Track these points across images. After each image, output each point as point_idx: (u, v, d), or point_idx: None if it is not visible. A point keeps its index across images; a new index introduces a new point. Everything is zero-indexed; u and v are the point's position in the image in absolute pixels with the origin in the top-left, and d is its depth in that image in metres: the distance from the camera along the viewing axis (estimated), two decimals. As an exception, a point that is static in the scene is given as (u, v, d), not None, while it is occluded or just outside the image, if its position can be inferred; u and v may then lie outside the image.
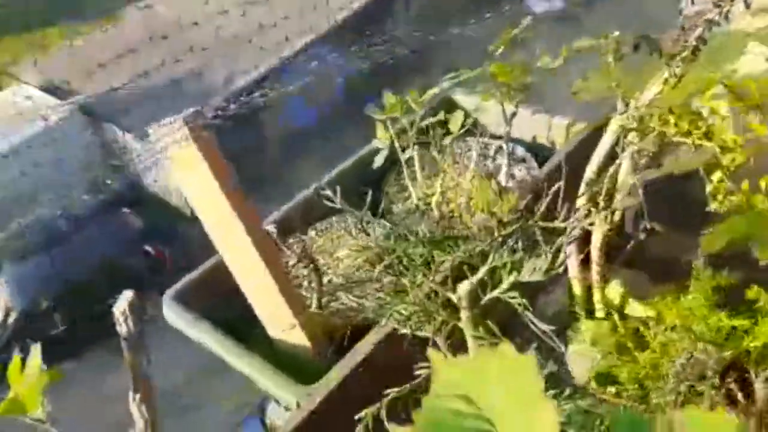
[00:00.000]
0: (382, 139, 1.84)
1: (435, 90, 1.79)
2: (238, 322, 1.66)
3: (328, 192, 1.35)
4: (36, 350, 0.89)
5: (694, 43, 1.20)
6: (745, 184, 1.14)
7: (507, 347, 0.50)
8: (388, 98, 1.88)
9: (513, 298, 1.07)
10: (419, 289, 1.18)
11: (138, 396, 0.98)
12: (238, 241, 1.45)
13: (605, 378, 1.43)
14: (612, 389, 1.38)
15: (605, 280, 1.53)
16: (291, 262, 1.87)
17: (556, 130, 2.16)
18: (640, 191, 1.20)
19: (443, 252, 1.09)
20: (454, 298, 1.12)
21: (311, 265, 1.70)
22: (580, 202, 1.45)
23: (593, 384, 1.44)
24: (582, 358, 1.48)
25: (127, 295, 0.97)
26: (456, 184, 2.09)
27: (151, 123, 1.34)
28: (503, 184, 2.00)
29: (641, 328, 1.27)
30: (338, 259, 1.85)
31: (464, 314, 1.12)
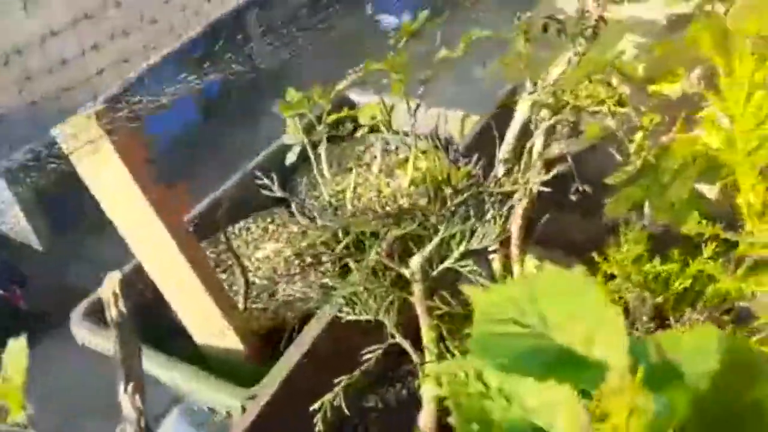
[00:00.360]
0: (293, 135, 1.82)
1: (341, 85, 1.81)
2: (157, 333, 1.57)
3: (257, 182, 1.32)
4: (22, 346, 0.79)
5: (594, 23, 1.31)
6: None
7: (551, 265, 0.53)
8: (292, 94, 1.87)
9: (464, 266, 1.11)
10: (367, 268, 1.18)
11: (131, 386, 0.90)
12: (160, 242, 1.37)
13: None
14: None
15: (524, 254, 1.62)
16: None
17: (451, 123, 2.26)
18: (569, 158, 1.29)
19: (396, 227, 1.11)
20: (406, 273, 1.13)
21: (237, 262, 1.64)
22: (500, 175, 1.53)
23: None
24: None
25: (114, 275, 0.89)
26: (365, 180, 2.12)
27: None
28: (411, 173, 2.06)
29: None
30: (258, 260, 1.80)
31: (417, 288, 1.14)
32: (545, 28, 1.33)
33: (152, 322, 1.55)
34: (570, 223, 1.93)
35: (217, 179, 2.16)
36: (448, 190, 1.06)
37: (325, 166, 2.13)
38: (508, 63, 1.63)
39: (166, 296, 1.49)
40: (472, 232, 1.09)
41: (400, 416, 1.54)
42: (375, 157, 2.17)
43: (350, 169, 2.15)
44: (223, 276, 1.74)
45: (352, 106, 2.28)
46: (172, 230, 1.37)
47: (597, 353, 0.47)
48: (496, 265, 1.70)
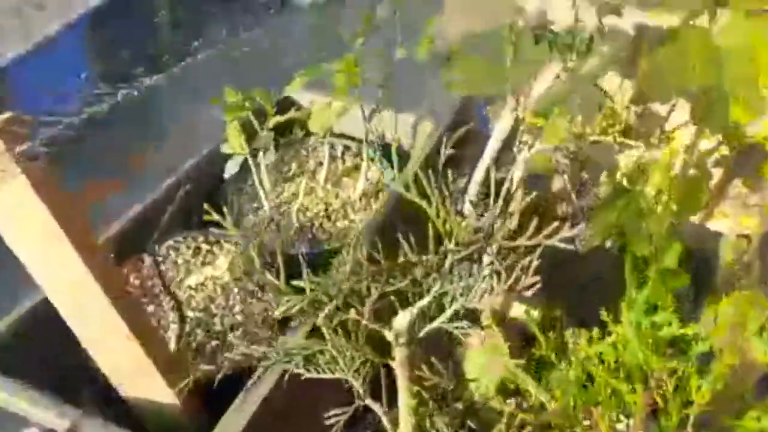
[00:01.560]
0: (233, 143, 1.58)
1: (291, 87, 1.59)
2: (71, 385, 1.32)
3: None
4: None
5: (588, 35, 1.17)
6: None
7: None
8: (230, 95, 1.63)
9: (457, 327, 0.94)
10: (341, 327, 0.99)
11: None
12: (69, 267, 1.12)
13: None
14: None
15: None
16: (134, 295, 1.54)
17: (401, 128, 2.08)
18: (570, 192, 1.14)
19: (378, 282, 0.92)
20: (388, 335, 0.95)
21: (166, 291, 1.40)
22: (469, 208, 1.37)
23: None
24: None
25: None
26: (310, 190, 1.91)
27: None
28: (362, 185, 1.87)
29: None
30: (190, 288, 1.56)
31: (399, 352, 0.96)
32: (537, 39, 1.17)
33: (64, 373, 1.30)
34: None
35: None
36: (449, 244, 0.88)
37: (265, 174, 1.90)
38: (471, 70, 1.47)
39: (79, 338, 1.23)
40: (470, 288, 0.92)
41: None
42: (321, 164, 1.96)
43: (293, 178, 1.93)
44: (149, 309, 1.49)
45: (294, 105, 2.05)
46: (83, 250, 1.11)
47: None
48: (485, 313, 1.55)
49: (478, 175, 1.36)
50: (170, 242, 1.67)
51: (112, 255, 1.35)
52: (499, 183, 1.35)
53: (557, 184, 1.19)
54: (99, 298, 1.16)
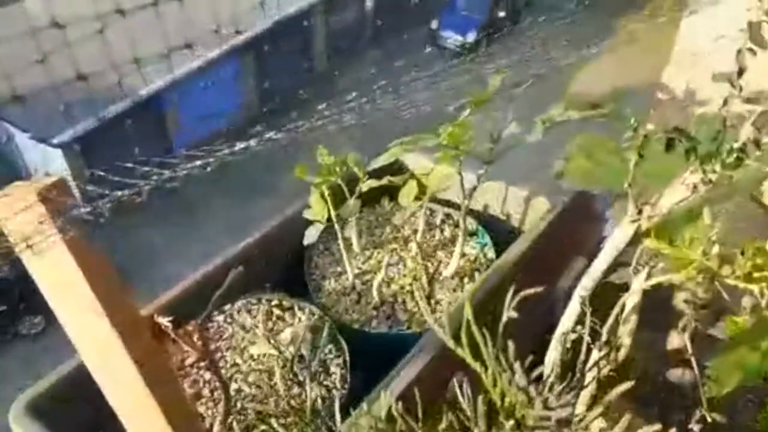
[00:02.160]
0: (316, 210, 1.46)
1: (385, 156, 1.45)
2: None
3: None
4: None
5: (740, 144, 0.93)
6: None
7: None
8: (323, 157, 1.52)
9: None
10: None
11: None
12: (104, 341, 1.04)
13: None
14: None
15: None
16: (189, 360, 1.46)
17: (512, 202, 1.88)
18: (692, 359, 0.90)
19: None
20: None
21: (217, 375, 1.30)
22: (567, 324, 1.15)
23: None
24: None
25: None
26: (399, 260, 1.76)
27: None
28: (456, 263, 1.68)
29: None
30: (251, 359, 1.46)
31: None
32: (669, 145, 0.95)
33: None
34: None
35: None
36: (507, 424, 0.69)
37: (354, 237, 1.78)
38: (574, 160, 1.26)
39: (117, 412, 1.15)
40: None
41: None
42: (416, 231, 1.81)
43: (384, 243, 1.79)
44: (206, 376, 1.40)
45: (399, 167, 1.92)
46: (117, 321, 1.03)
47: None
48: None
49: (573, 307, 1.13)
50: (244, 302, 1.58)
51: (172, 319, 1.26)
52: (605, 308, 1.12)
53: (674, 340, 0.94)
54: (130, 370, 1.07)
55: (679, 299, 0.91)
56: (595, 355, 1.12)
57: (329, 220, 1.54)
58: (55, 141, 8.87)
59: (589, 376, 1.11)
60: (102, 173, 1.03)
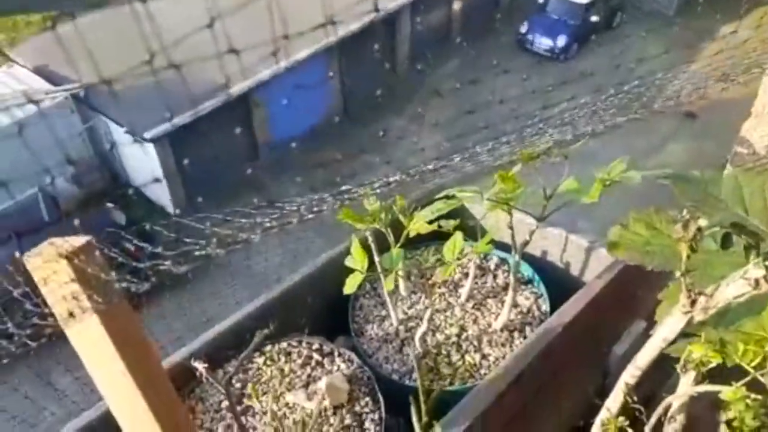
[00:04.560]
0: (356, 259, 1.43)
1: (438, 206, 1.40)
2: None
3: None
4: None
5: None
6: None
7: None
8: (370, 204, 1.48)
9: None
10: None
11: None
12: (133, 406, 1.06)
13: None
14: None
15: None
16: (225, 404, 1.46)
17: (572, 251, 1.78)
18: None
19: None
20: None
21: (239, 427, 1.30)
22: (611, 408, 1.06)
23: None
24: None
25: None
26: (447, 306, 1.70)
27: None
28: (506, 314, 1.60)
29: None
30: (287, 407, 1.45)
31: None
32: (726, 240, 0.85)
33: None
34: None
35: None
36: None
37: (401, 280, 1.73)
38: (644, 239, 1.16)
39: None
40: None
41: None
42: (466, 275, 1.74)
43: (433, 287, 1.74)
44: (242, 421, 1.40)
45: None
46: (146, 389, 1.04)
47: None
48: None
49: (631, 371, 1.04)
50: (284, 345, 1.57)
51: (206, 365, 1.27)
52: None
53: None
54: (154, 429, 1.08)
55: (726, 417, 0.81)
56: (637, 452, 1.03)
57: (372, 267, 1.51)
58: (147, 136, 9.32)
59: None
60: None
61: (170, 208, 10.37)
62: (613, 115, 1.12)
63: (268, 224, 0.90)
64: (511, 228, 1.47)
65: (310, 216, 0.93)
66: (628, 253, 1.18)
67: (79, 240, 0.96)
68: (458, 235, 1.47)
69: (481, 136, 1.23)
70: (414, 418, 0.95)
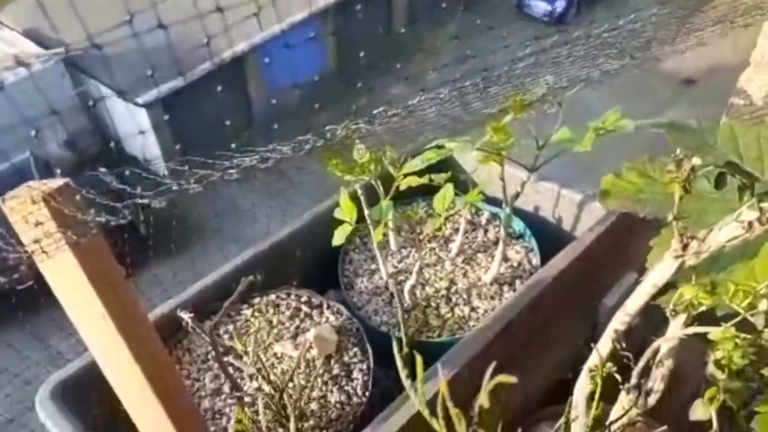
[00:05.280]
0: (345, 211, 1.41)
1: (428, 155, 1.37)
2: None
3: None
4: None
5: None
6: None
7: None
8: (360, 154, 1.45)
9: None
10: None
11: None
12: (112, 346, 1.04)
13: None
14: None
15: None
16: (213, 354, 1.46)
17: (564, 205, 1.76)
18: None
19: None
20: None
21: (227, 375, 1.29)
22: (599, 355, 1.05)
23: None
24: None
25: None
26: (437, 260, 1.69)
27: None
28: (496, 268, 1.59)
29: None
30: (275, 356, 1.44)
31: None
32: (720, 181, 0.83)
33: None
34: None
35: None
36: None
37: (391, 234, 1.71)
38: (623, 179, 1.14)
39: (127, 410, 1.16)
40: None
41: None
42: (457, 230, 1.72)
43: (423, 241, 1.72)
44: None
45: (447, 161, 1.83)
46: (124, 329, 1.03)
47: None
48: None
49: (606, 340, 1.03)
50: (272, 297, 1.56)
51: (192, 315, 1.25)
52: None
53: (699, 410, 0.83)
54: (136, 374, 1.07)
55: (714, 357, 0.80)
56: (623, 397, 1.03)
57: (361, 220, 1.49)
58: (140, 100, 9.21)
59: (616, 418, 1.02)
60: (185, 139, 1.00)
61: (163, 171, 10.29)
62: (607, 57, 1.09)
63: (249, 162, 0.87)
64: (503, 179, 1.45)
65: (291, 154, 0.90)
66: (620, 202, 1.16)
67: (57, 182, 0.94)
68: (449, 186, 1.45)
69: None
70: (399, 366, 0.94)
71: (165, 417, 1.11)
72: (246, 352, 1.42)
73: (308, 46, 10.95)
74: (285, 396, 1.22)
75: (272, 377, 1.39)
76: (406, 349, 1.36)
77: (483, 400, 0.77)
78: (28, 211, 0.94)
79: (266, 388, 1.38)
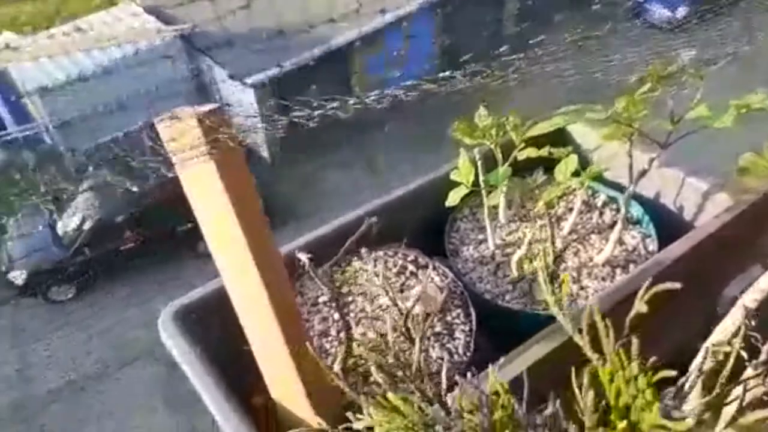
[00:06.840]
0: (463, 173, 1.42)
1: (546, 123, 1.36)
2: (241, 361, 1.33)
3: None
4: None
5: None
6: None
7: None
8: (482, 118, 1.46)
9: None
10: None
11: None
12: (250, 286, 1.11)
13: None
14: None
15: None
16: (322, 299, 1.51)
17: (688, 194, 1.68)
18: None
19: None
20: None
21: (339, 314, 1.33)
22: (724, 333, 1.01)
23: None
24: None
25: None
26: (547, 237, 1.67)
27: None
28: (610, 250, 1.55)
29: None
30: (380, 308, 1.47)
31: None
32: None
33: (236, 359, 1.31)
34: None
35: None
36: None
37: (502, 206, 1.71)
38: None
39: (248, 337, 1.22)
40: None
41: None
42: (571, 209, 1.69)
43: (534, 218, 1.70)
44: (336, 316, 1.44)
45: (562, 138, 1.80)
46: (265, 279, 1.09)
47: None
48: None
49: (734, 316, 0.99)
50: (380, 253, 1.59)
51: (311, 257, 1.30)
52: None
53: None
54: (263, 300, 1.13)
55: None
56: (749, 372, 0.98)
57: (476, 185, 1.49)
58: (248, 81, 9.59)
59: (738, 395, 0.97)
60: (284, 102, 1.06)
61: (266, 155, 10.67)
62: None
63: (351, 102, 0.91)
64: (630, 156, 1.41)
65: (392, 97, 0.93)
66: (759, 181, 1.10)
67: (208, 106, 1.01)
68: (573, 157, 1.42)
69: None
70: (542, 281, 0.94)
71: (282, 342, 1.16)
72: (354, 301, 1.46)
73: (416, 41, 11.02)
74: (409, 322, 1.24)
75: (377, 326, 1.42)
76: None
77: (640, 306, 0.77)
78: (181, 130, 1.01)
79: (371, 335, 1.42)
